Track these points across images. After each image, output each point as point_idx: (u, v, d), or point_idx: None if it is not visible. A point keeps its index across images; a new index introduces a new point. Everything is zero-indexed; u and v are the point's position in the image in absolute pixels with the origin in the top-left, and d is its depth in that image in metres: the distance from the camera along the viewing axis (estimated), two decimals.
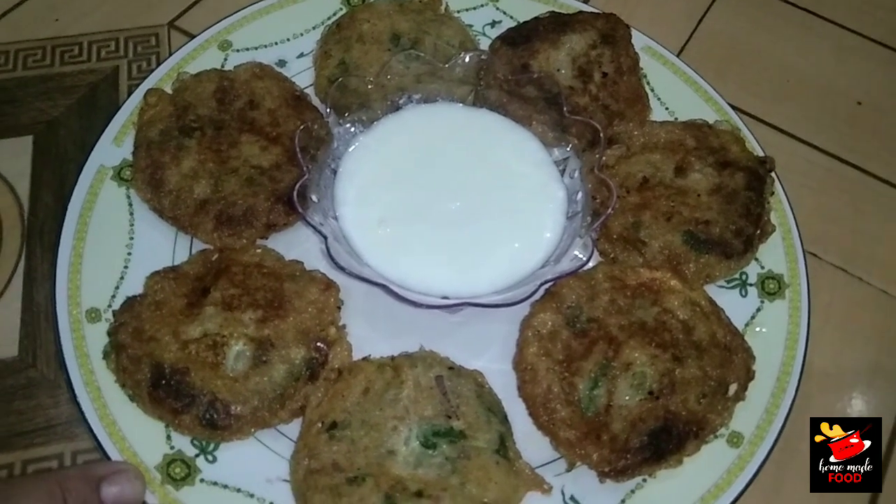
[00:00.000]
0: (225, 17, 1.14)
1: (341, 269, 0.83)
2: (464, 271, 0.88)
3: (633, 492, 0.84)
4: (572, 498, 0.84)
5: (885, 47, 1.29)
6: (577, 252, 0.87)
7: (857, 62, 1.27)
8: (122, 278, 0.93)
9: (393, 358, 0.87)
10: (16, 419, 0.90)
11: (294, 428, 0.85)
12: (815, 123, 1.19)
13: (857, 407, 0.96)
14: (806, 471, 0.86)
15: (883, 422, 0.94)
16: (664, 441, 0.82)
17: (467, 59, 1.00)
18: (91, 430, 0.83)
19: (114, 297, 0.92)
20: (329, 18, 1.16)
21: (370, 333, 0.91)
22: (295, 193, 0.84)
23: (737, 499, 0.83)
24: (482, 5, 1.20)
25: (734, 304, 0.94)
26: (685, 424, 0.83)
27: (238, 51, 1.12)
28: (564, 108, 0.96)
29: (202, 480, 0.82)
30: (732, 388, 0.87)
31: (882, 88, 1.24)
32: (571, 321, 0.89)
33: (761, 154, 1.05)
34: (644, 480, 0.85)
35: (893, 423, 0.95)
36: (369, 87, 0.97)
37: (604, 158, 0.98)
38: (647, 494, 0.84)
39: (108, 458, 0.82)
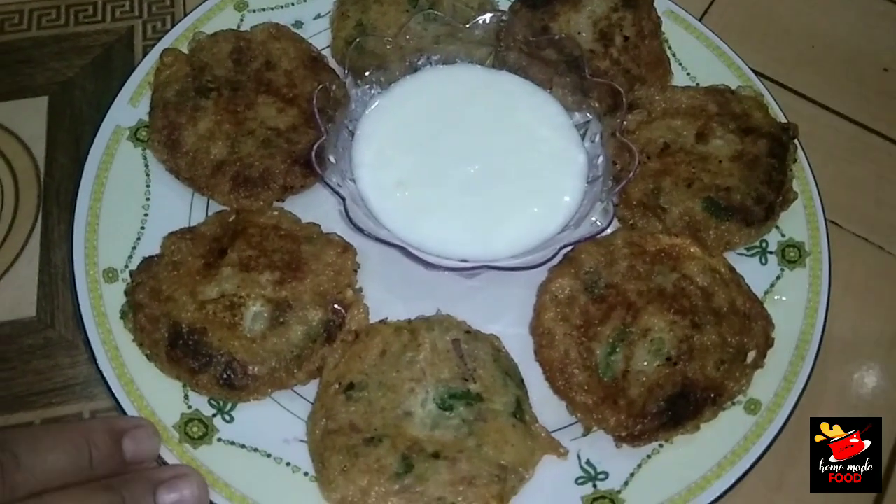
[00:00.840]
0: None
1: (359, 230, 0.83)
2: (482, 235, 0.87)
3: (649, 457, 0.84)
4: (588, 462, 0.84)
5: None
6: (596, 217, 0.86)
7: (884, 28, 1.24)
8: (138, 239, 0.93)
9: (410, 321, 0.87)
10: (34, 379, 0.91)
11: (311, 389, 0.85)
12: (840, 90, 1.17)
13: (875, 376, 0.96)
14: None
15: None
16: (681, 407, 0.82)
17: (487, 21, 0.99)
18: (109, 390, 0.84)
19: (131, 257, 0.92)
20: None
21: (387, 296, 0.91)
22: (313, 154, 0.83)
23: (753, 465, 0.83)
24: None
25: (754, 272, 0.93)
26: (703, 391, 0.83)
27: (254, 11, 1.11)
28: (585, 71, 0.94)
29: (219, 440, 0.83)
30: (751, 356, 0.87)
31: None
32: (589, 286, 0.88)
33: (784, 121, 1.04)
34: (661, 446, 0.84)
35: None
36: (387, 47, 0.96)
37: (625, 123, 0.97)
38: (664, 460, 0.84)
39: None
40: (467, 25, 0.97)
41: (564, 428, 0.85)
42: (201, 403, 0.84)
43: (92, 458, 0.72)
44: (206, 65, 1.01)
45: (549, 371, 0.86)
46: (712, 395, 0.83)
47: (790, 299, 0.93)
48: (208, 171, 0.94)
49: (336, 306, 0.86)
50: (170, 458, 0.80)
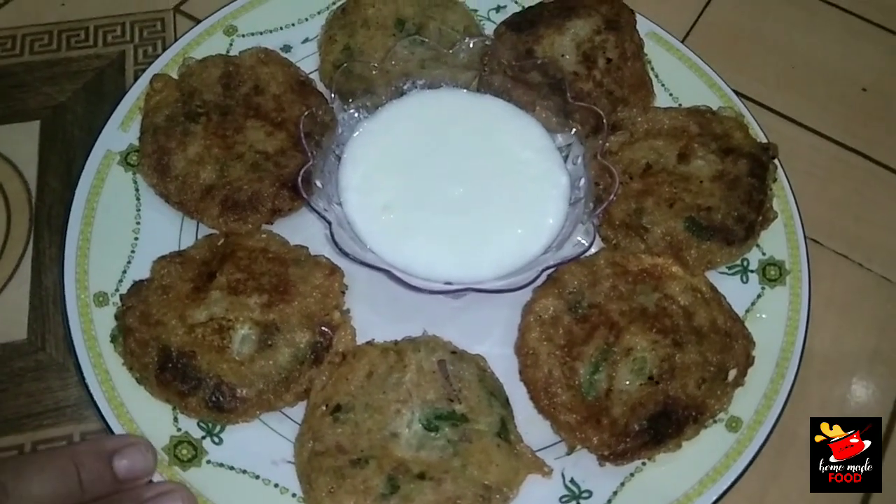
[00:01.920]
0: (230, 2, 1.15)
1: (345, 254, 0.84)
2: (467, 257, 0.88)
3: (632, 475, 0.85)
4: (572, 481, 0.85)
5: (892, 33, 1.28)
6: (579, 238, 0.88)
7: (862, 48, 1.26)
8: (129, 263, 0.94)
9: (396, 342, 0.88)
10: (25, 401, 0.92)
11: (299, 411, 0.86)
12: (820, 110, 1.19)
13: (857, 393, 0.97)
14: (805, 458, 0.87)
15: (883, 407, 0.95)
16: (663, 425, 0.83)
17: (472, 45, 1.00)
18: (99, 413, 0.85)
19: (121, 281, 0.93)
20: (334, 3, 1.16)
21: (374, 318, 0.92)
22: (300, 179, 0.85)
23: (735, 482, 0.84)
24: None
25: (735, 291, 0.95)
26: (684, 409, 0.84)
27: (243, 36, 1.13)
28: (568, 94, 0.96)
29: (209, 462, 0.84)
30: (732, 374, 0.88)
31: (888, 75, 1.24)
32: (573, 306, 0.90)
33: (764, 140, 1.05)
34: (643, 464, 0.86)
35: (892, 408, 0.96)
36: (374, 72, 0.97)
37: (607, 144, 0.99)
38: (647, 478, 0.85)
39: None
40: (452, 50, 0.99)
41: (549, 447, 0.86)
42: (190, 426, 0.85)
43: (82, 481, 0.72)
44: (196, 90, 1.02)
45: (533, 390, 0.87)
46: (694, 414, 0.84)
47: (771, 317, 0.95)
48: (198, 194, 0.95)
49: (323, 328, 0.87)
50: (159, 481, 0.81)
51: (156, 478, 0.81)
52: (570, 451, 0.86)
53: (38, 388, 0.92)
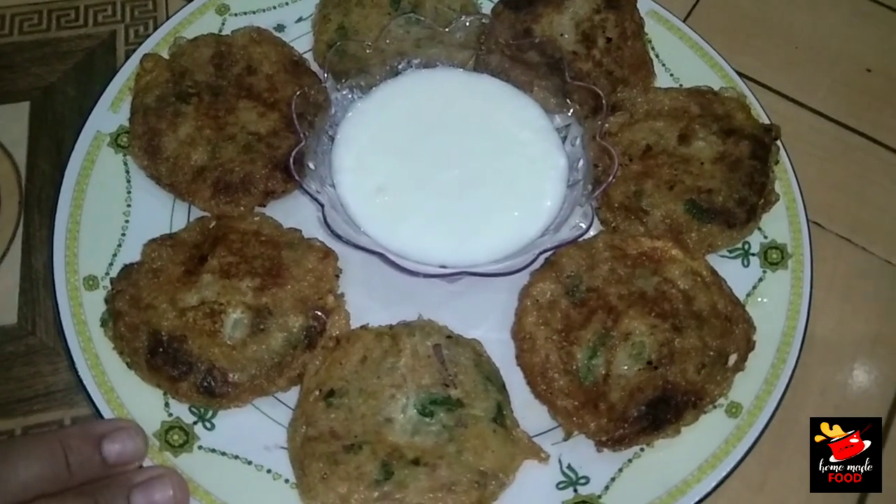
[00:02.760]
0: None
1: (338, 237, 0.82)
2: (463, 240, 0.87)
3: (630, 461, 0.84)
4: (569, 467, 0.84)
5: None
6: (577, 221, 0.86)
7: (867, 29, 1.24)
8: (119, 245, 0.93)
9: (391, 326, 0.86)
10: (15, 386, 0.90)
11: (292, 396, 0.85)
12: (823, 91, 1.17)
13: (859, 378, 0.96)
14: (805, 443, 0.86)
15: (884, 392, 0.94)
16: (662, 411, 0.82)
17: (468, 23, 0.98)
18: (90, 398, 0.84)
19: (111, 264, 0.91)
20: None
21: (368, 302, 0.91)
22: (291, 161, 0.83)
23: (734, 468, 0.83)
24: None
25: (736, 274, 0.94)
26: (684, 394, 0.83)
27: (236, 15, 1.11)
28: (567, 74, 0.94)
29: (200, 447, 0.83)
30: (732, 359, 0.87)
31: (893, 56, 1.21)
32: (571, 290, 0.88)
33: (767, 122, 1.04)
34: (642, 450, 0.85)
35: (894, 393, 0.95)
36: (368, 51, 0.95)
37: (606, 125, 0.97)
38: (645, 464, 0.84)
39: None
40: (448, 28, 0.97)
41: (546, 433, 0.85)
42: (182, 411, 0.84)
43: (70, 464, 0.71)
44: (187, 70, 1.00)
45: (530, 375, 0.86)
46: (693, 399, 0.83)
47: (772, 301, 0.94)
48: (189, 176, 0.94)
49: (317, 312, 0.86)
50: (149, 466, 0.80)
51: (146, 463, 0.80)
52: (568, 436, 0.84)
53: (28, 372, 0.91)
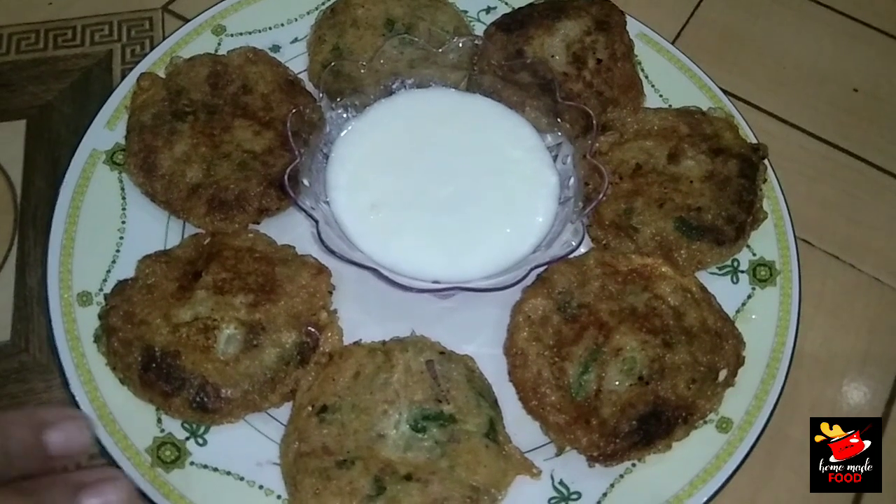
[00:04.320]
0: (219, 2, 1.14)
1: (332, 253, 0.83)
2: (455, 256, 0.88)
3: (622, 476, 0.84)
4: (561, 482, 0.84)
5: (883, 34, 1.28)
6: (568, 237, 0.87)
7: (853, 49, 1.26)
8: (113, 262, 0.93)
9: (384, 342, 0.87)
10: (8, 403, 0.90)
11: (284, 412, 0.85)
12: (811, 110, 1.19)
13: (848, 395, 0.97)
14: (796, 460, 0.86)
15: (873, 408, 0.95)
16: (653, 426, 0.82)
17: (461, 45, 1.00)
18: None
19: (105, 280, 0.92)
20: (323, 3, 1.15)
21: (361, 318, 0.91)
22: (286, 178, 0.84)
23: (725, 484, 0.84)
24: None
25: (725, 291, 0.94)
26: (674, 410, 0.83)
27: (232, 35, 1.12)
28: (558, 94, 0.95)
29: (192, 463, 0.82)
30: (722, 374, 0.87)
31: (878, 75, 1.23)
32: (562, 306, 0.89)
33: (755, 141, 1.05)
34: (633, 465, 0.85)
35: (884, 409, 0.95)
36: (362, 71, 0.97)
37: (597, 145, 0.99)
38: (636, 479, 0.84)
39: (100, 442, 0.82)
40: (441, 49, 0.99)
41: (538, 448, 0.86)
42: (174, 427, 0.84)
43: (9, 453, 0.61)
44: (183, 88, 1.01)
45: (522, 391, 0.86)
46: (684, 414, 0.84)
47: (761, 318, 0.94)
48: (184, 193, 0.94)
49: (310, 328, 0.86)
50: (141, 483, 0.80)
51: (137, 480, 0.79)
52: (560, 452, 0.85)
53: (21, 389, 0.91)
